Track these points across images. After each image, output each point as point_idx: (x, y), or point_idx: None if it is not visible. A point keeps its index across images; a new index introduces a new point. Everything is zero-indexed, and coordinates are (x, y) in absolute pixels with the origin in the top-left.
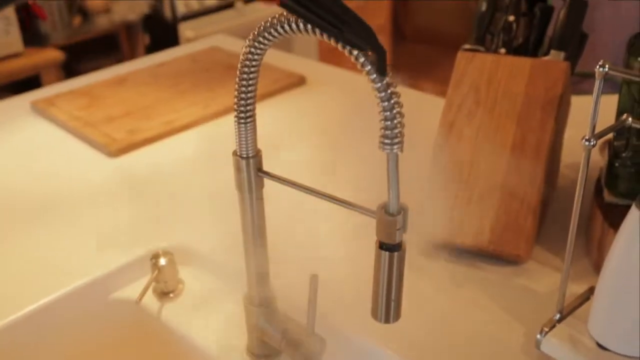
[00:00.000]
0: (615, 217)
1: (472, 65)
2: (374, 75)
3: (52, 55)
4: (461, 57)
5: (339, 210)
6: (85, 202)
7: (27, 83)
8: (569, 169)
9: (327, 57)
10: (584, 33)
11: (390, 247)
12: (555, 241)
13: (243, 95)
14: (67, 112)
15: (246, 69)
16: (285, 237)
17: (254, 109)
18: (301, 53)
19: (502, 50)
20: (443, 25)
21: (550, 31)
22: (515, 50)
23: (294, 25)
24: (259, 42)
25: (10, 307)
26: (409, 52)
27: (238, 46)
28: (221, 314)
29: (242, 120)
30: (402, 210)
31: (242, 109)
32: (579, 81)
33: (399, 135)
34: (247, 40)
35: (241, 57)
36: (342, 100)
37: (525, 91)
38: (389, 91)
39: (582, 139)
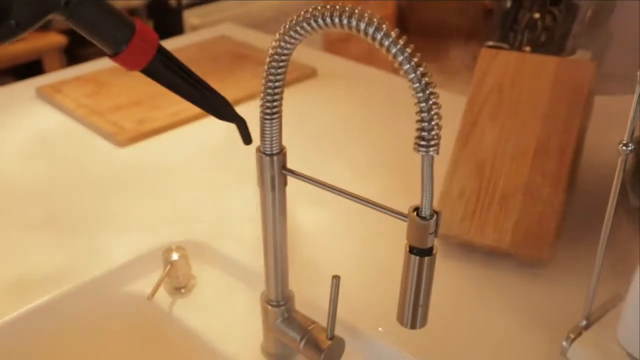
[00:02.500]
0: None
1: (495, 63)
2: (412, 75)
3: (55, 39)
4: (484, 54)
5: (356, 207)
6: (94, 193)
7: (30, 68)
8: (589, 170)
9: (332, 48)
10: (610, 33)
11: (421, 252)
12: (576, 244)
13: (270, 91)
14: (73, 100)
15: (274, 64)
16: (304, 236)
17: (280, 105)
18: (305, 43)
19: (527, 48)
20: (447, 18)
21: (574, 29)
22: (540, 48)
23: (328, 20)
24: (290, 37)
25: (19, 300)
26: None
27: (246, 35)
28: (235, 312)
29: (268, 117)
30: (435, 214)
31: (268, 104)
32: (602, 81)
33: (435, 137)
34: (277, 34)
35: (270, 50)
36: (355, 92)
37: (550, 91)
38: (427, 91)
39: (620, 143)
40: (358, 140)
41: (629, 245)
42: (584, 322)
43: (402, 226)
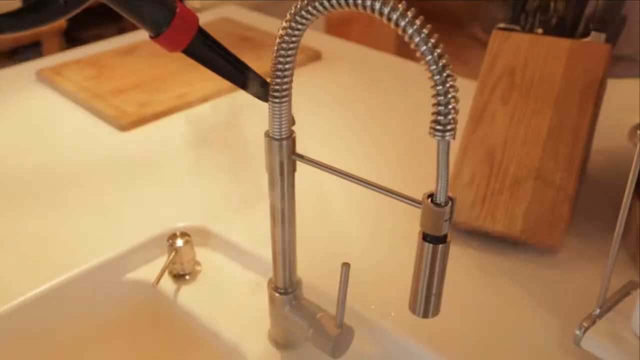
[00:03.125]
0: None
1: (507, 46)
2: (429, 57)
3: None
4: (495, 37)
5: (361, 191)
6: (97, 178)
7: (29, 50)
8: (598, 155)
9: (333, 31)
10: (623, 15)
11: (435, 239)
12: (587, 230)
13: (279, 73)
14: (74, 82)
15: (284, 45)
16: (313, 222)
17: (290, 88)
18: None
19: (539, 31)
20: (449, 3)
21: (587, 11)
22: (552, 31)
23: (342, 0)
24: (302, 17)
25: (22, 286)
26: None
27: (249, 17)
28: (240, 299)
29: (277, 100)
30: (450, 200)
31: (277, 87)
32: (612, 64)
33: (452, 121)
34: (287, 15)
35: (280, 31)
36: (360, 74)
37: (563, 74)
38: (444, 74)
39: (637, 128)
40: (365, 123)
41: None
42: (598, 311)
43: (412, 212)
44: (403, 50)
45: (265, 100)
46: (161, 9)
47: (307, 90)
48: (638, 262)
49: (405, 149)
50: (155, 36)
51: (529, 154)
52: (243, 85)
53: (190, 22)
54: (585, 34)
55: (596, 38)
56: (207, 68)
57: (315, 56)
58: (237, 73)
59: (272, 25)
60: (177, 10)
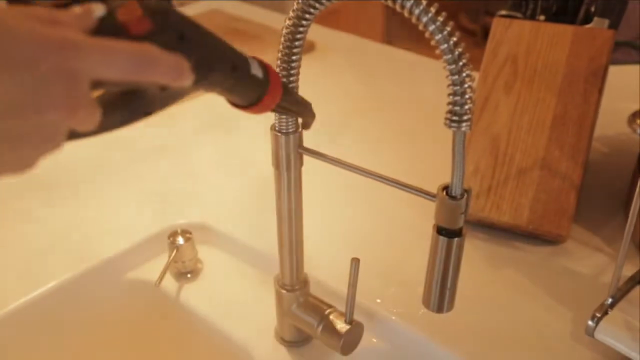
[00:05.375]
0: None
1: (509, 33)
2: (445, 46)
3: None
4: (497, 24)
5: (365, 185)
6: (94, 176)
7: None
8: (598, 142)
9: (323, 21)
10: (625, 0)
11: (450, 233)
12: (593, 219)
13: (286, 66)
14: None
15: (290, 36)
16: (319, 217)
17: (297, 81)
18: None
19: (541, 17)
20: None
21: None
22: (553, 17)
23: None
24: (309, 5)
25: (24, 287)
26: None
27: (240, 9)
28: (245, 297)
29: None
30: (466, 193)
31: (284, 80)
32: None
33: (468, 112)
34: (295, 3)
35: (287, 21)
36: (355, 64)
37: (567, 61)
38: (460, 63)
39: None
40: (363, 113)
41: None
42: (610, 300)
43: (419, 205)
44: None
45: (307, 128)
46: (256, 90)
47: (302, 81)
48: None
49: (405, 140)
50: (245, 107)
51: (534, 143)
52: (308, 118)
53: (277, 91)
54: (586, 20)
55: (599, 24)
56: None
57: (309, 47)
58: (304, 111)
59: (264, 17)
60: (270, 86)
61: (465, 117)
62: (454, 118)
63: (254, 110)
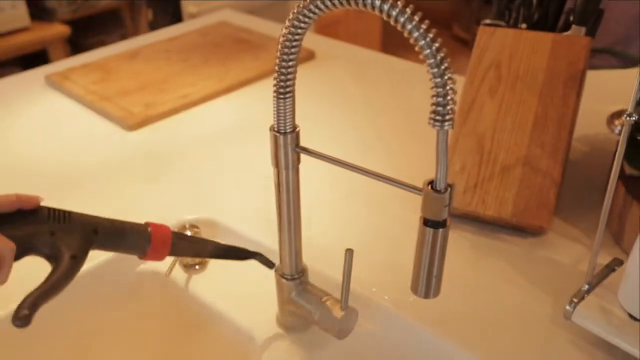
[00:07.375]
0: (636, 190)
1: (493, 40)
2: (428, 51)
3: (59, 29)
4: (482, 32)
5: (358, 182)
6: (106, 175)
7: (35, 58)
8: (578, 142)
9: (324, 31)
10: (601, 9)
11: (435, 224)
12: (572, 212)
13: (283, 70)
14: (82, 86)
15: (287, 43)
16: (316, 211)
17: (293, 84)
18: None
19: (523, 26)
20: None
21: (567, 6)
22: (534, 25)
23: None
24: (304, 15)
25: (36, 281)
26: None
27: (246, 21)
28: (249, 286)
29: (282, 96)
30: (449, 187)
31: (282, 84)
32: (590, 56)
33: (450, 112)
34: (290, 13)
35: (283, 30)
36: (354, 72)
37: (547, 66)
38: (442, 67)
39: (625, 115)
40: (360, 117)
41: (624, 211)
42: (586, 287)
43: (408, 200)
44: (387, 49)
45: (247, 259)
46: (139, 240)
47: (303, 87)
48: (622, 241)
49: (398, 141)
50: (143, 256)
51: (516, 142)
52: (227, 257)
53: (165, 237)
54: (565, 27)
55: (577, 31)
56: (195, 257)
57: (309, 55)
58: (216, 251)
59: (267, 27)
60: (151, 235)
61: (447, 117)
62: (437, 118)
63: (147, 259)
